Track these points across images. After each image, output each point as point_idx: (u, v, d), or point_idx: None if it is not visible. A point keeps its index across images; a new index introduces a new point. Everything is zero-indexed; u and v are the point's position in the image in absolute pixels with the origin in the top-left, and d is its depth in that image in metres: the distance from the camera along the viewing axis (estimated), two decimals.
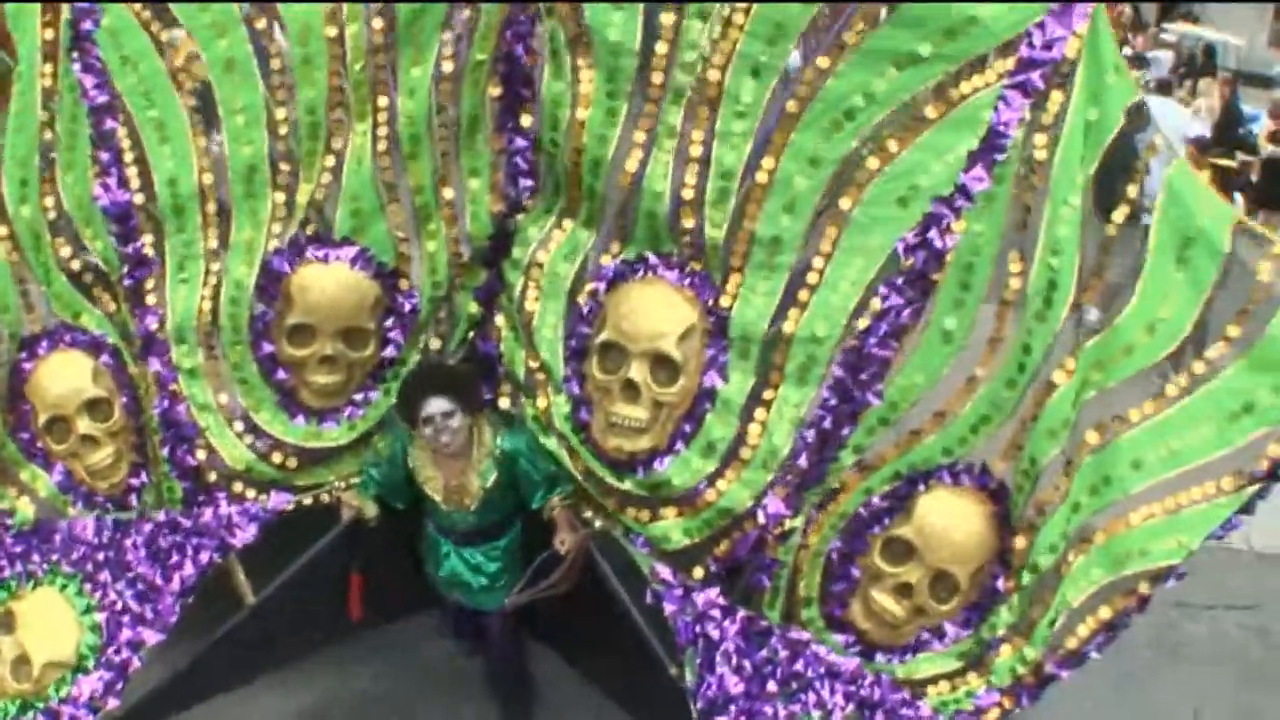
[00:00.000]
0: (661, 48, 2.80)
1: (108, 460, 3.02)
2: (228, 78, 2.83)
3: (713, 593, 2.89)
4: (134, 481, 3.06)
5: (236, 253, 2.96)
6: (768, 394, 2.90)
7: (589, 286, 3.00)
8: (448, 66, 2.83)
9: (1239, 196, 8.30)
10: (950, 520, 2.79)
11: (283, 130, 2.90)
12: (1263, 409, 2.48)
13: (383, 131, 2.85)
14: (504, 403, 3.25)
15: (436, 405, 2.83)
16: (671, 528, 2.98)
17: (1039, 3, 2.54)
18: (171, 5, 2.80)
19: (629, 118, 2.93)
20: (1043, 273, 2.65)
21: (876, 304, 2.81)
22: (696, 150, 2.84)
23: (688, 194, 2.88)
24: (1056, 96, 2.62)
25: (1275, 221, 11.16)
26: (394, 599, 3.36)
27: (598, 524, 3.10)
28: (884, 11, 2.74)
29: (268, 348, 3.01)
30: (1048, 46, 2.56)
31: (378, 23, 2.79)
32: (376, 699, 3.32)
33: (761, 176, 2.80)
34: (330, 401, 3.06)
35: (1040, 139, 2.66)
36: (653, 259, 2.95)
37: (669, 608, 2.87)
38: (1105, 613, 2.67)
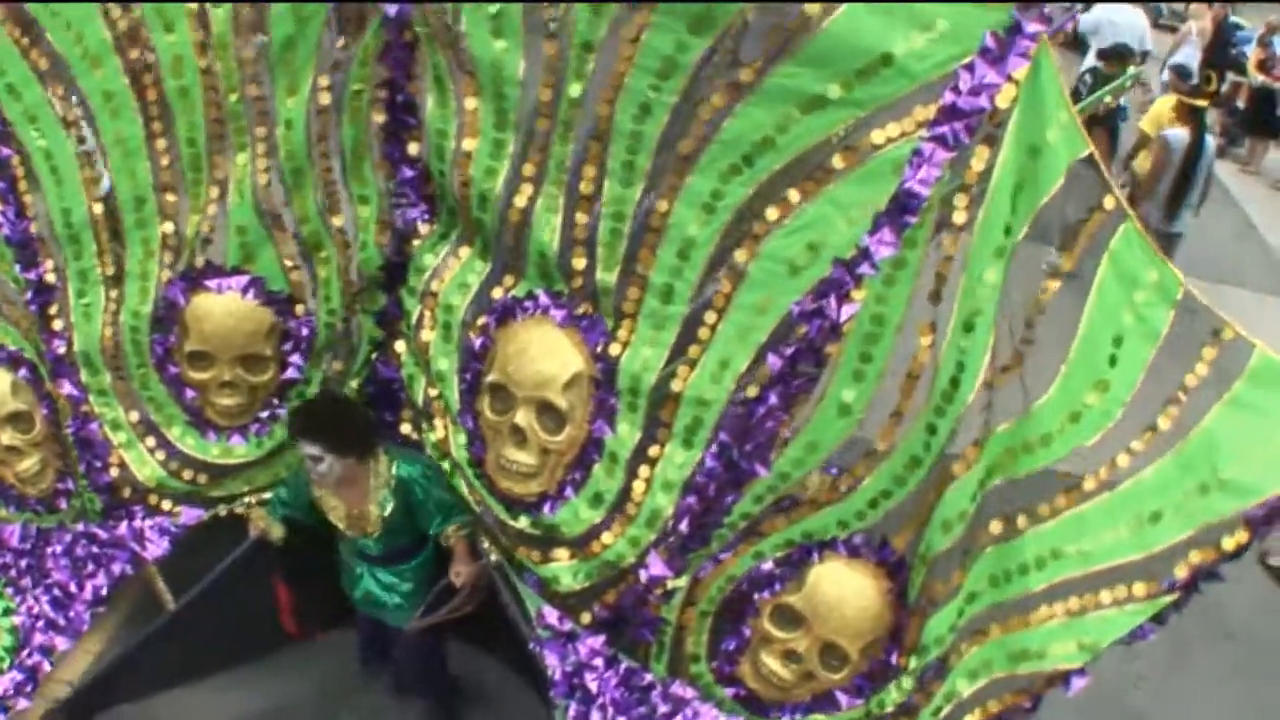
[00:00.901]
0: (547, 78, 2.40)
1: (34, 469, 2.96)
2: (106, 108, 2.63)
3: (596, 641, 2.73)
4: (61, 486, 3.00)
5: (132, 281, 2.81)
6: (654, 450, 2.59)
7: (480, 320, 2.72)
8: (324, 98, 2.54)
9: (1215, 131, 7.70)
10: (843, 593, 2.54)
11: (165, 161, 2.69)
12: (1186, 513, 2.11)
13: (262, 164, 2.63)
14: (406, 428, 3.02)
15: (306, 449, 2.69)
16: (562, 570, 2.76)
17: (968, 40, 2.04)
18: (49, 36, 2.59)
19: (517, 150, 2.52)
20: (952, 351, 2.25)
21: (766, 371, 2.40)
22: (587, 187, 2.46)
23: (579, 233, 2.51)
24: (982, 152, 2.12)
25: (1261, 148, 9.94)
26: (320, 608, 3.28)
27: (493, 557, 2.90)
28: (789, 45, 2.39)
29: (172, 370, 2.88)
30: (975, 93, 2.06)
31: (248, 53, 2.51)
32: (298, 707, 3.25)
33: (655, 220, 2.42)
34: (236, 421, 2.94)
35: (960, 200, 2.18)
36: (543, 298, 2.64)
37: (549, 658, 2.71)
38: (994, 707, 2.40)
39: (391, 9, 2.45)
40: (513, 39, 2.41)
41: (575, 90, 2.40)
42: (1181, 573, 2.15)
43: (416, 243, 2.83)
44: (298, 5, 2.45)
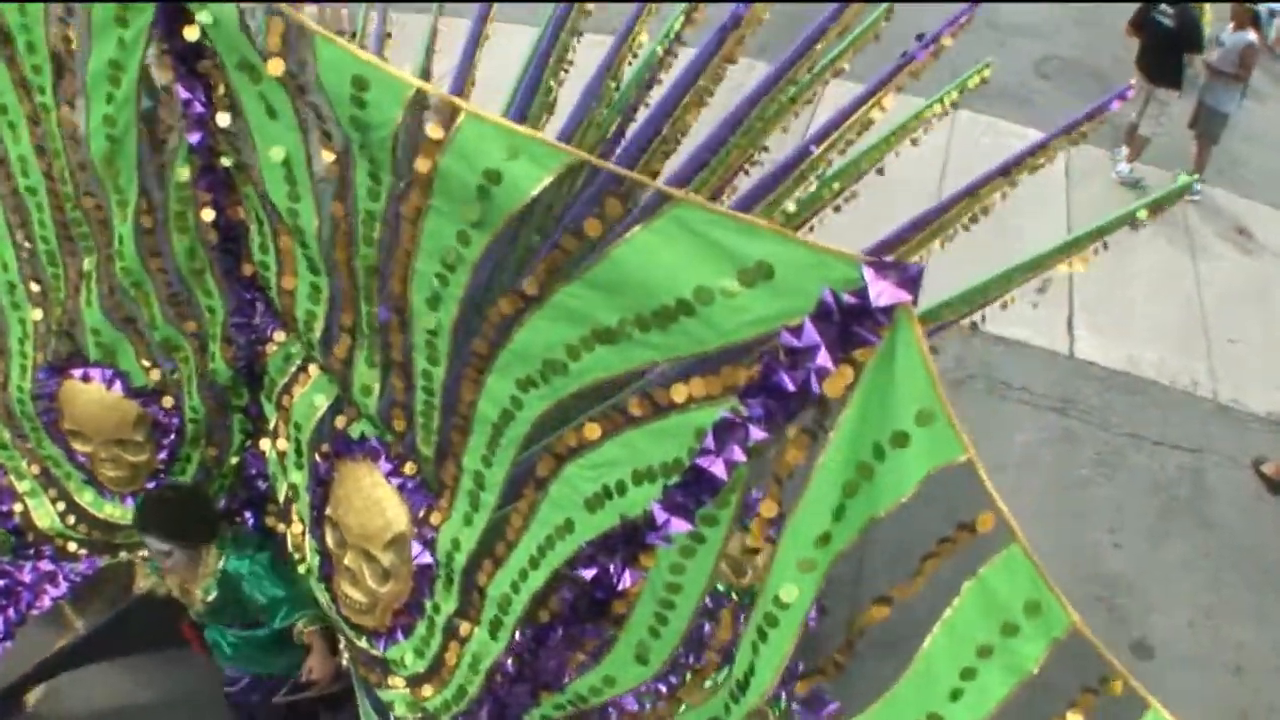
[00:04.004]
0: (339, 238, 2.05)
1: None
2: None
3: None
4: None
5: (14, 358, 2.78)
6: (464, 628, 2.37)
7: (324, 447, 2.52)
8: (146, 221, 2.33)
9: None
10: None
11: (25, 254, 2.60)
12: None
13: (105, 271, 2.49)
14: (270, 520, 2.92)
15: (153, 544, 2.67)
16: (397, 699, 2.65)
17: (799, 297, 1.46)
18: None
19: (331, 297, 2.22)
20: (744, 657, 1.83)
21: (558, 603, 2.09)
22: (398, 355, 2.13)
23: (398, 395, 2.20)
24: (802, 441, 1.61)
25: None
26: None
27: (344, 660, 2.85)
28: (566, 265, 1.84)
29: (60, 437, 2.86)
30: (798, 369, 1.48)
31: (76, 155, 2.32)
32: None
33: (462, 406, 2.07)
34: (125, 488, 2.91)
35: (775, 490, 1.68)
36: (374, 443, 2.40)
37: None
38: None
39: (194, 137, 2.14)
40: (303, 188, 2.05)
41: (370, 257, 2.05)
42: None
43: (272, 348, 2.64)
44: (110, 119, 2.20)
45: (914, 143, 3.52)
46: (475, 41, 3.17)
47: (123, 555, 3.13)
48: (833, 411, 1.53)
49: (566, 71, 3.37)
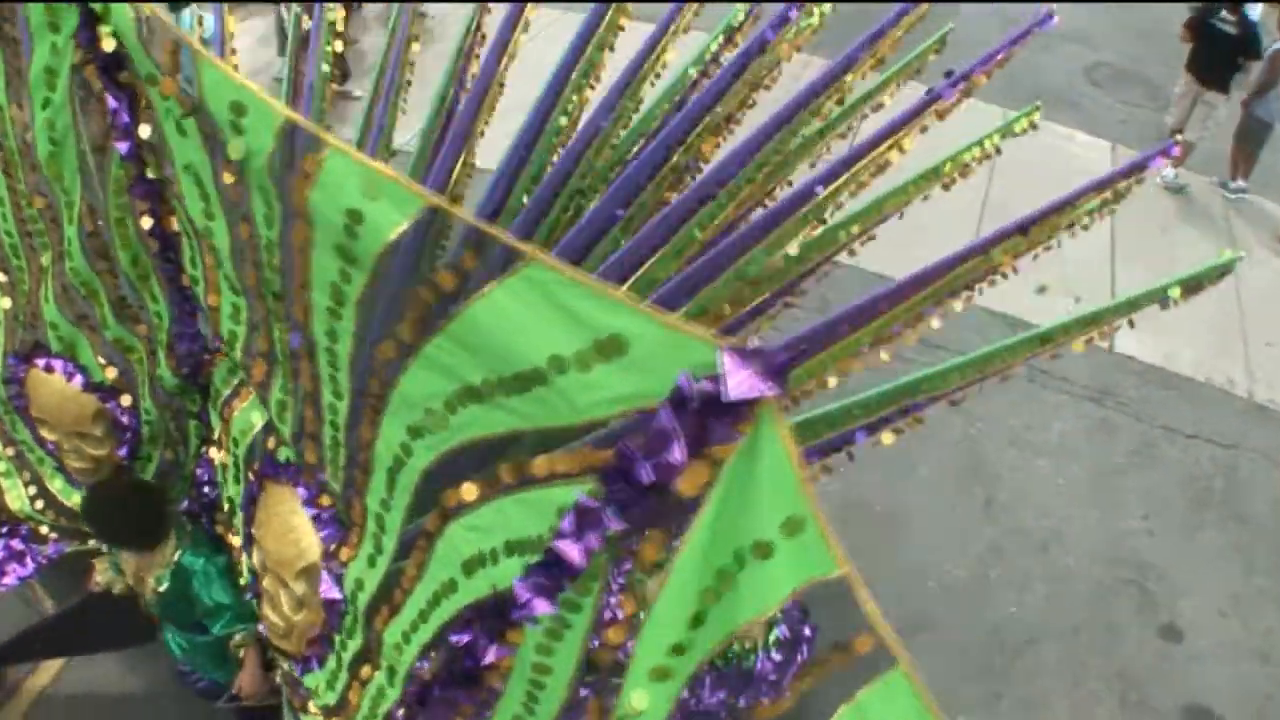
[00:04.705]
0: (247, 264, 1.96)
1: None
2: None
3: None
4: None
5: None
6: (365, 670, 2.26)
7: (255, 466, 2.46)
8: (88, 225, 2.32)
9: None
10: None
11: None
12: None
13: (57, 270, 2.49)
14: (219, 529, 2.88)
15: (100, 542, 2.72)
16: None
17: (657, 379, 1.27)
18: None
19: (250, 319, 2.15)
20: None
21: (439, 663, 2.11)
22: (307, 383, 2.03)
23: (309, 425, 2.10)
24: (659, 539, 1.44)
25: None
26: None
27: (277, 678, 2.77)
28: (429, 316, 1.57)
29: (29, 423, 2.88)
30: (653, 459, 1.32)
31: (28, 155, 2.31)
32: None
33: (363, 444, 1.96)
34: (89, 479, 2.90)
35: (634, 589, 1.51)
36: (295, 470, 2.31)
37: None
38: None
39: (122, 146, 2.10)
40: (215, 207, 1.98)
41: (273, 282, 1.96)
42: None
43: (219, 358, 2.60)
44: (50, 123, 2.18)
45: (945, 188, 3.24)
46: (512, 25, 3.09)
47: (91, 543, 3.15)
48: (689, 510, 1.35)
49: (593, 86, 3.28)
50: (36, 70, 2.09)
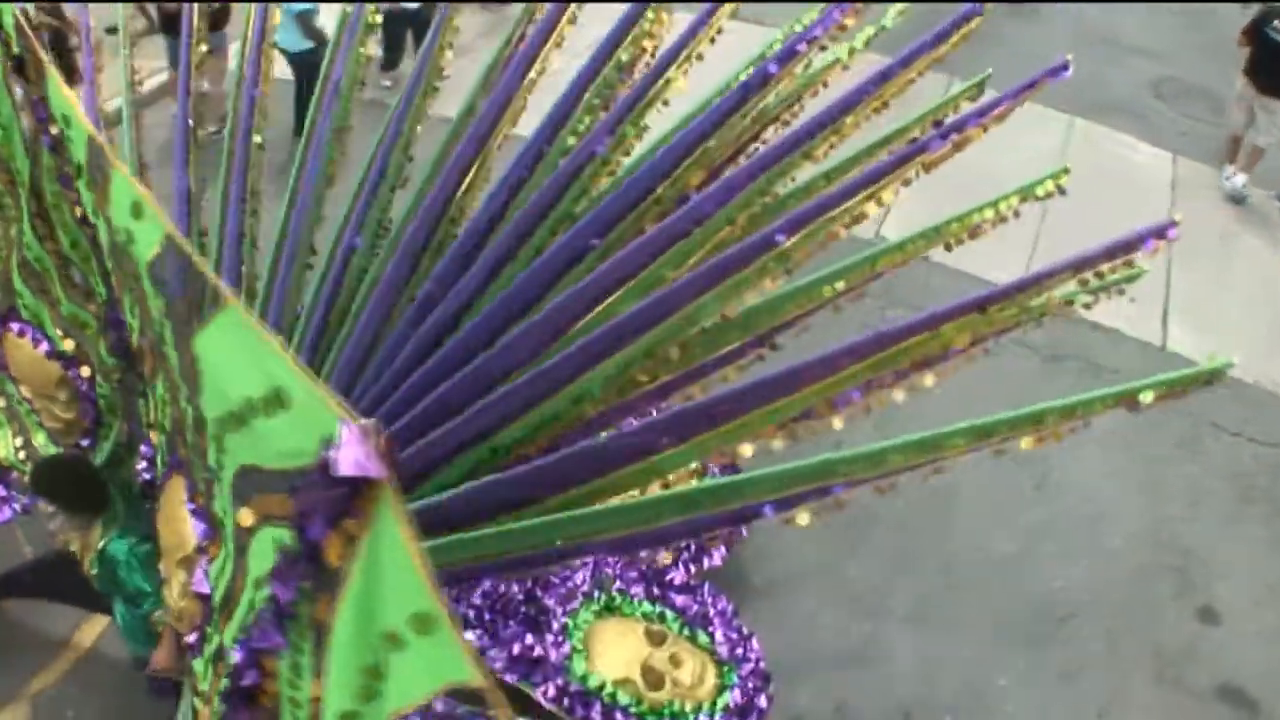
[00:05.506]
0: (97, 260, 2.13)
1: None
2: None
3: None
4: None
5: None
6: (220, 668, 2.16)
7: (169, 458, 2.46)
8: (32, 205, 2.46)
9: None
10: None
11: None
12: None
13: (18, 244, 2.63)
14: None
15: (41, 502, 2.85)
16: (200, 706, 2.85)
17: (310, 441, 1.24)
18: None
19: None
20: None
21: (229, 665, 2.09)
22: (165, 383, 2.19)
23: (177, 424, 2.23)
24: (326, 600, 1.43)
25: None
26: None
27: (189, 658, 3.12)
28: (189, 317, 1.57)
29: (13, 380, 3.06)
30: (312, 520, 1.31)
31: None
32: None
33: (202, 450, 2.11)
34: (63, 440, 3.09)
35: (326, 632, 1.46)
36: (185, 462, 2.34)
37: None
38: None
39: (45, 139, 2.21)
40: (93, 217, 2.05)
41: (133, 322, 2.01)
42: None
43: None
44: None
45: (949, 248, 2.97)
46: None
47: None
48: (339, 580, 1.28)
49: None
50: None
